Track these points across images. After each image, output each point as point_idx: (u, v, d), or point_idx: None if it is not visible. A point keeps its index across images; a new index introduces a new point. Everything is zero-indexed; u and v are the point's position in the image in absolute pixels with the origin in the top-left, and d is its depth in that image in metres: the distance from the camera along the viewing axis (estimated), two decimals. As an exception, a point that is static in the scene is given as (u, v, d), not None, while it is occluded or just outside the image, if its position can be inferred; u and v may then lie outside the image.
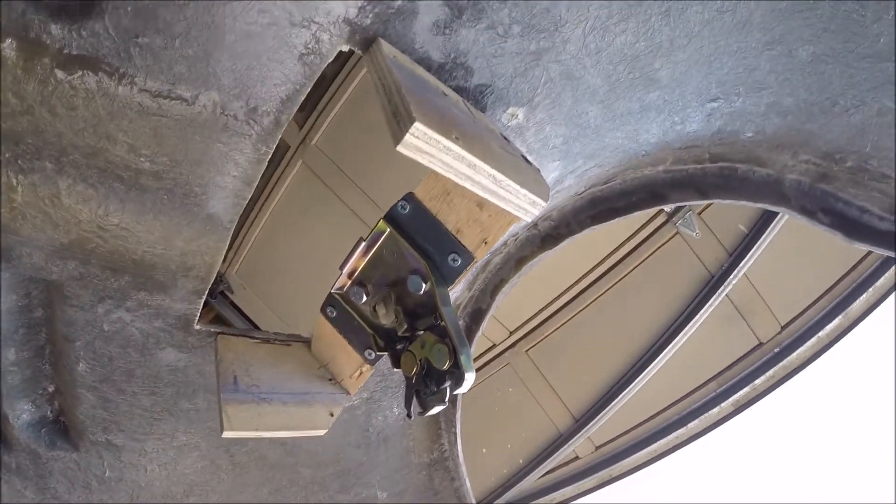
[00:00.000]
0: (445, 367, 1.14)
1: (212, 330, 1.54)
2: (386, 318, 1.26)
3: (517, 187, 0.92)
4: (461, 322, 2.08)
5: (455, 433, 2.30)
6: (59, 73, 1.04)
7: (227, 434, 1.29)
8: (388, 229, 1.27)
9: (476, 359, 4.73)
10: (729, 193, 1.79)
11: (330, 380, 1.53)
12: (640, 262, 4.31)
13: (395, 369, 1.29)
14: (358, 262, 1.32)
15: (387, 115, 0.79)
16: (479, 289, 2.02)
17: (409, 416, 1.24)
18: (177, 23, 1.01)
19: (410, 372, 1.22)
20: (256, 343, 1.55)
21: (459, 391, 1.15)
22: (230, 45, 1.05)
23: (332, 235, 4.49)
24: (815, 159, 1.58)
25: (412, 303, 1.26)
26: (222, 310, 5.21)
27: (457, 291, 1.91)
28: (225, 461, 1.90)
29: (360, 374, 1.48)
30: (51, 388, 1.79)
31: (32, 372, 1.74)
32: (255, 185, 1.25)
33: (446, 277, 1.24)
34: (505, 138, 1.22)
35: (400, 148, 0.75)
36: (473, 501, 2.44)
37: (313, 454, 2.01)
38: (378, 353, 1.39)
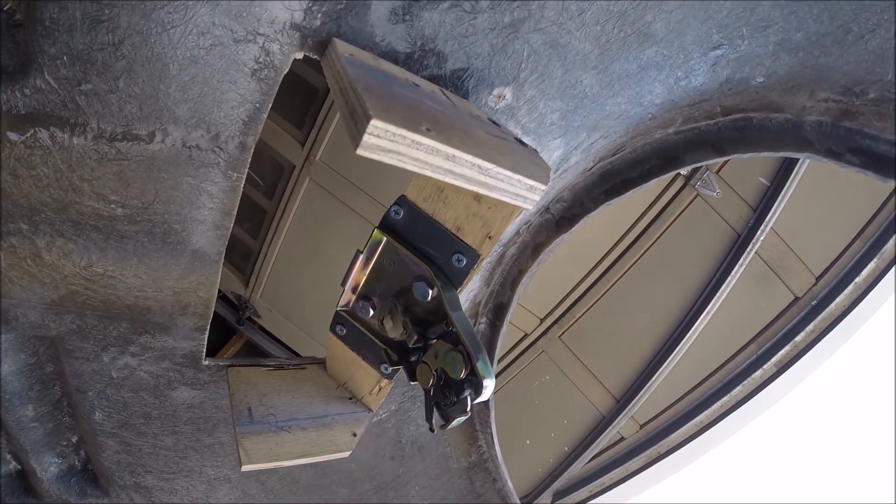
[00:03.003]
0: (462, 375, 1.06)
1: (220, 364, 1.48)
2: (394, 331, 1.18)
3: (508, 173, 0.83)
4: (483, 320, 2.00)
5: (491, 434, 2.22)
6: (12, 136, 1.00)
7: (246, 468, 1.23)
8: (385, 238, 1.19)
9: (509, 350, 4.64)
10: (747, 147, 1.68)
11: (350, 399, 1.46)
12: (664, 231, 4.19)
13: (413, 383, 1.21)
14: (359, 275, 1.25)
15: (345, 119, 0.71)
16: (499, 283, 1.94)
17: (431, 430, 1.16)
18: (115, 62, 0.95)
19: (427, 384, 1.14)
20: (269, 371, 1.48)
21: (480, 399, 1.06)
22: (176, 74, 0.98)
23: (350, 246, 4.41)
24: (834, 96, 1.47)
25: (421, 311, 1.18)
26: (252, 335, 5.20)
27: (474, 288, 1.82)
28: (257, 490, 1.84)
29: (380, 389, 1.41)
30: (74, 439, 1.76)
31: (54, 425, 1.71)
32: (234, 213, 1.19)
33: (453, 280, 1.16)
34: (494, 123, 1.13)
35: (360, 151, 0.67)
36: (517, 501, 2.36)
37: (347, 472, 1.95)
38: (393, 368, 1.32)
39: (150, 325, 1.35)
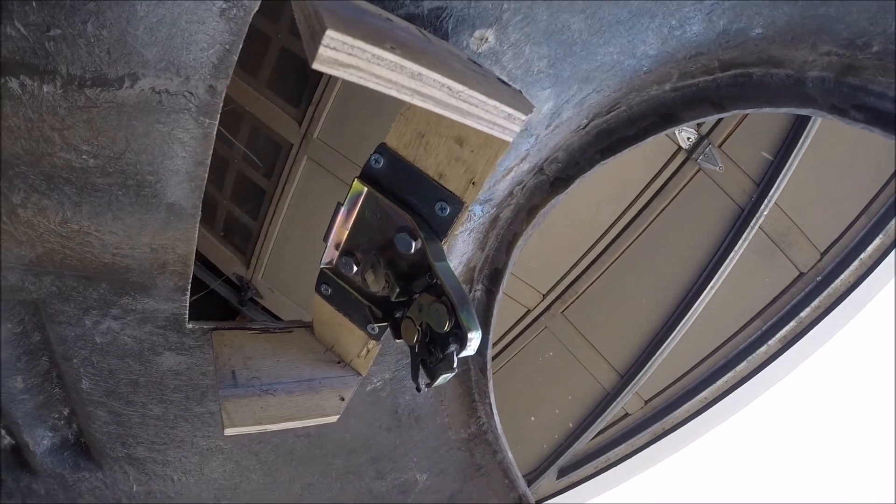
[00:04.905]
0: (446, 328, 1.02)
1: (205, 327, 1.45)
2: (376, 284, 1.15)
3: (483, 98, 0.78)
4: (479, 287, 1.96)
5: (490, 404, 2.19)
6: None
7: (229, 431, 1.20)
8: (365, 188, 1.15)
9: (511, 327, 4.61)
10: (747, 102, 1.62)
11: (338, 363, 1.43)
12: (666, 206, 4.13)
13: (398, 340, 1.17)
14: (341, 230, 1.21)
15: (306, 43, 0.66)
16: (493, 248, 1.90)
17: (417, 389, 1.12)
18: (84, 4, 0.91)
19: (412, 340, 1.11)
20: (255, 334, 1.45)
21: (465, 353, 1.03)
22: (144, 15, 0.94)
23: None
24: (836, 49, 1.41)
25: (405, 264, 1.14)
26: (255, 316, 5.18)
27: (468, 251, 1.78)
28: (251, 461, 1.82)
29: (368, 351, 1.38)
30: (66, 412, 1.74)
31: (44, 398, 1.69)
32: (208, 163, 1.15)
33: (437, 230, 1.12)
34: (475, 63, 1.08)
35: (316, 65, 0.62)
36: (519, 473, 2.33)
37: (342, 443, 1.93)
38: (380, 327, 1.28)
39: (129, 285, 1.32)
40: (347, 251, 1.22)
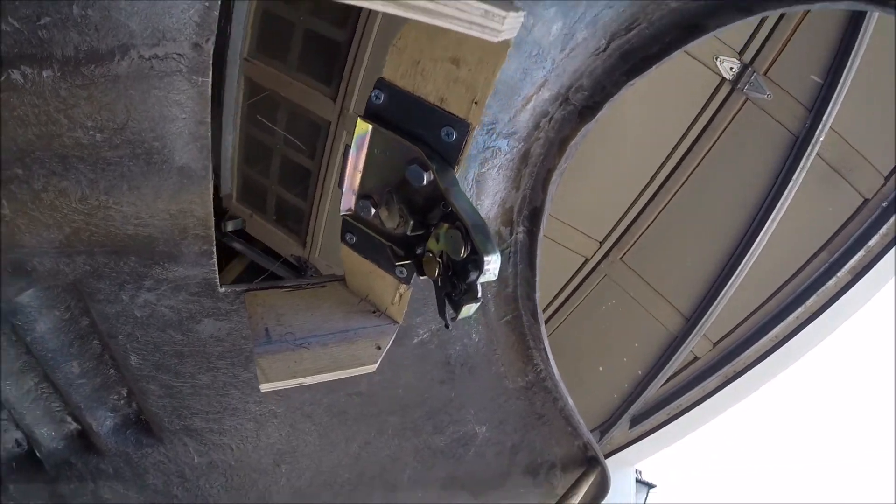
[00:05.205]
0: (463, 254, 0.98)
1: (237, 290, 1.45)
2: (390, 220, 1.11)
3: (459, -5, 0.72)
4: (520, 229, 1.90)
5: (545, 350, 2.13)
6: None
7: (265, 387, 1.20)
8: (370, 126, 1.11)
9: (571, 278, 4.50)
10: (777, 2, 1.51)
11: (373, 312, 1.41)
12: (717, 140, 3.95)
13: (423, 278, 1.14)
14: (354, 174, 1.17)
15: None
16: (529, 186, 1.83)
17: (446, 326, 1.09)
18: None
19: (434, 274, 1.07)
20: (287, 291, 1.45)
21: (486, 278, 0.98)
22: None
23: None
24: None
25: (420, 198, 1.10)
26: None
27: (500, 190, 1.73)
28: (306, 424, 1.84)
29: (400, 297, 1.35)
30: (124, 392, 1.79)
31: (101, 380, 1.74)
32: (209, 122, 1.15)
33: (447, 157, 1.07)
34: None
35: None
36: (581, 420, 2.28)
37: (396, 399, 1.92)
38: (406, 268, 1.25)
39: (156, 254, 1.33)
40: (364, 195, 1.19)
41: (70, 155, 1.15)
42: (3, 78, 1.01)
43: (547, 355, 2.13)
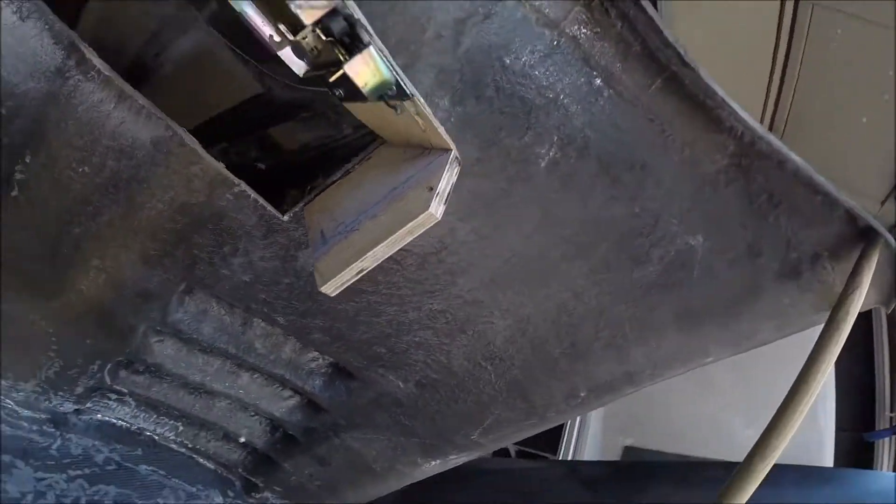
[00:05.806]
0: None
1: (296, 211, 1.33)
2: (327, 50, 0.90)
3: None
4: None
5: (727, 103, 1.48)
6: None
7: (324, 289, 1.05)
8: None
9: (779, 25, 3.44)
10: None
11: (422, 153, 1.15)
12: None
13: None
14: (267, 28, 0.94)
15: None
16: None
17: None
18: None
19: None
20: (338, 184, 1.28)
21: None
22: None
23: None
24: None
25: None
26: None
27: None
28: (478, 309, 1.64)
29: (419, 118, 1.06)
30: (315, 354, 1.82)
31: (288, 349, 1.80)
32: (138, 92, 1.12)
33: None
34: None
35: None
36: (826, 181, 1.57)
37: (567, 242, 1.53)
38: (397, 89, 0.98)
39: (209, 218, 1.32)
40: (295, 44, 0.94)
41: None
42: None
43: (736, 110, 1.49)
